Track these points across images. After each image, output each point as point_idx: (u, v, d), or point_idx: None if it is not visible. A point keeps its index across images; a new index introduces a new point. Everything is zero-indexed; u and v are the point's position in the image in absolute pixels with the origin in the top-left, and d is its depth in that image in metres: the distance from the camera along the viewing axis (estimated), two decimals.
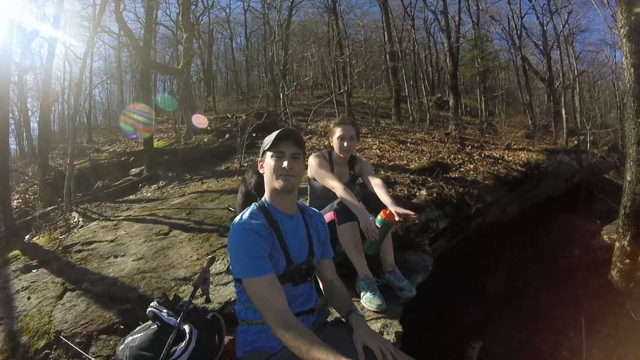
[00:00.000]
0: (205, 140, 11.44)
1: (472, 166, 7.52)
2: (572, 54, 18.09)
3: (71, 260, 4.12)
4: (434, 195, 5.62)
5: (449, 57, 14.12)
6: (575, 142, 12.59)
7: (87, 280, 3.56)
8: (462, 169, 7.34)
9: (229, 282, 3.16)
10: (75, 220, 6.21)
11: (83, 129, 15.69)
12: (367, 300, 2.66)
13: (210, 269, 2.31)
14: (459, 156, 8.35)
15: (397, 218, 2.46)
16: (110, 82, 24.00)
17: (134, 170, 9.36)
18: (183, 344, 1.83)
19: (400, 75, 17.34)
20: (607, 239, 6.86)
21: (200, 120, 12.74)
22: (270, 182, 1.77)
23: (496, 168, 7.60)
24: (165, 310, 1.99)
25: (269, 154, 1.76)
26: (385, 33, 16.32)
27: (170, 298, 2.14)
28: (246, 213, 1.75)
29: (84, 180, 8.42)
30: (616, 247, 4.89)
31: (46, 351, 2.82)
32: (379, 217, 2.42)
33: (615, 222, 6.12)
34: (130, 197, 7.70)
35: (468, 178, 6.75)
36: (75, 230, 5.50)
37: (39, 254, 4.58)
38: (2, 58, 5.91)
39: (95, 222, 5.67)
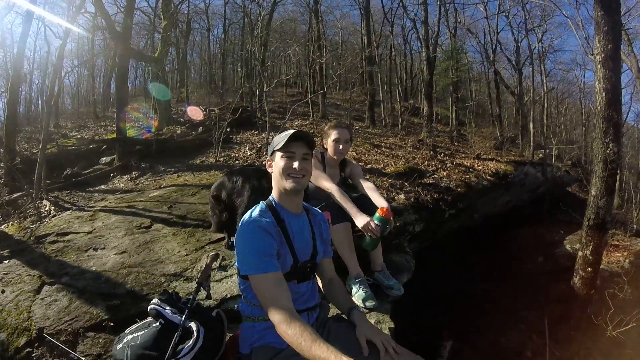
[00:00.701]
0: (178, 132, 11.25)
1: (445, 173, 7.77)
2: (543, 71, 18.69)
3: (46, 252, 3.97)
4: (412, 199, 5.82)
5: (425, 66, 14.47)
6: (541, 155, 13.11)
7: (67, 273, 3.43)
8: (435, 176, 7.58)
9: (222, 279, 3.17)
10: (46, 208, 6.02)
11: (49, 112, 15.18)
12: (359, 298, 2.78)
13: (213, 265, 2.32)
14: (433, 163, 8.61)
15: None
16: (80, 65, 23.07)
17: (104, 159, 9.07)
18: (191, 341, 1.82)
19: (376, 80, 17.61)
20: (569, 248, 7.27)
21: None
22: (279, 182, 1.80)
23: (468, 176, 7.88)
24: (168, 308, 1.95)
25: (279, 153, 1.79)
26: (365, 38, 16.55)
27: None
28: (255, 211, 1.78)
29: (50, 167, 8.08)
30: (579, 256, 5.20)
31: (28, 349, 2.70)
32: (377, 215, 2.58)
33: (577, 232, 6.52)
34: (102, 187, 7.50)
35: (442, 184, 6.99)
36: (47, 220, 5.32)
37: (10, 243, 4.40)
38: None
39: (68, 212, 5.50)
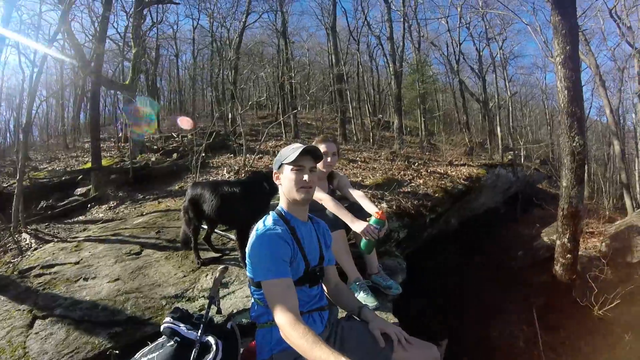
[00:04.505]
0: (153, 159, 11.20)
1: (421, 181, 8.00)
2: (506, 76, 19.76)
3: (32, 286, 3.82)
4: (394, 207, 6.01)
5: (393, 81, 14.86)
6: (510, 156, 13.58)
7: (59, 305, 3.32)
8: (413, 184, 7.80)
9: (225, 296, 3.19)
10: (27, 242, 5.93)
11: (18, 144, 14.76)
12: (362, 300, 2.85)
13: (222, 278, 2.32)
14: (408, 172, 8.84)
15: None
16: (49, 96, 22.48)
17: (79, 190, 8.93)
18: (211, 355, 1.81)
19: (345, 97, 17.95)
20: (547, 240, 7.46)
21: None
22: (290, 193, 1.90)
23: (443, 182, 8.13)
24: (182, 325, 1.93)
25: (288, 167, 1.89)
26: (333, 57, 16.92)
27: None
28: (268, 221, 1.88)
29: (24, 200, 7.86)
30: (557, 245, 5.43)
31: None
32: (374, 218, 2.66)
33: (553, 224, 6.77)
34: (80, 218, 7.38)
35: (420, 192, 7.21)
36: (29, 253, 5.18)
37: None
38: None
39: (50, 244, 5.37)
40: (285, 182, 1.91)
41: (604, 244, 6.39)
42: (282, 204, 1.97)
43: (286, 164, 1.89)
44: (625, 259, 5.82)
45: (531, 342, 4.48)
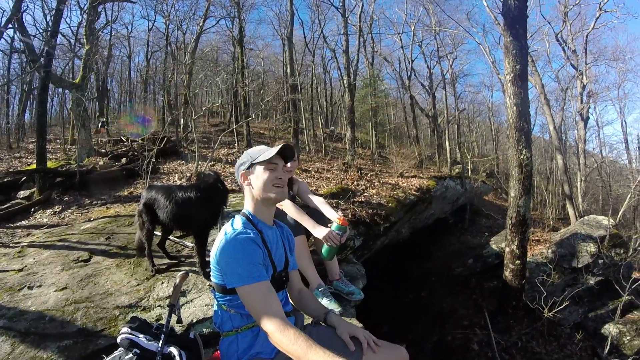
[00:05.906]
0: (101, 163, 10.78)
1: (374, 191, 8.14)
2: (455, 94, 20.67)
3: None
4: (349, 216, 6.07)
5: (347, 93, 15.11)
6: (457, 170, 14.08)
7: (2, 316, 3.09)
8: (366, 194, 7.92)
9: (184, 304, 3.09)
10: None
11: None
12: (325, 306, 2.84)
13: (183, 285, 2.18)
14: (361, 182, 8.98)
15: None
16: None
17: (22, 192, 8.41)
18: None
19: (298, 108, 18.02)
20: (495, 248, 7.83)
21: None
22: (263, 193, 1.83)
23: (395, 193, 8.30)
24: (142, 335, 1.82)
25: (260, 167, 1.83)
26: (288, 67, 16.95)
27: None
28: (237, 224, 1.79)
29: None
30: (506, 252, 5.69)
31: None
32: (336, 224, 2.67)
33: (501, 233, 7.10)
34: (22, 222, 6.97)
35: (373, 201, 7.33)
36: None
37: None
38: None
39: None
40: (258, 182, 1.83)
41: (550, 250, 6.77)
42: (249, 207, 1.89)
43: (258, 163, 1.83)
44: (570, 264, 6.21)
45: (485, 344, 4.65)
